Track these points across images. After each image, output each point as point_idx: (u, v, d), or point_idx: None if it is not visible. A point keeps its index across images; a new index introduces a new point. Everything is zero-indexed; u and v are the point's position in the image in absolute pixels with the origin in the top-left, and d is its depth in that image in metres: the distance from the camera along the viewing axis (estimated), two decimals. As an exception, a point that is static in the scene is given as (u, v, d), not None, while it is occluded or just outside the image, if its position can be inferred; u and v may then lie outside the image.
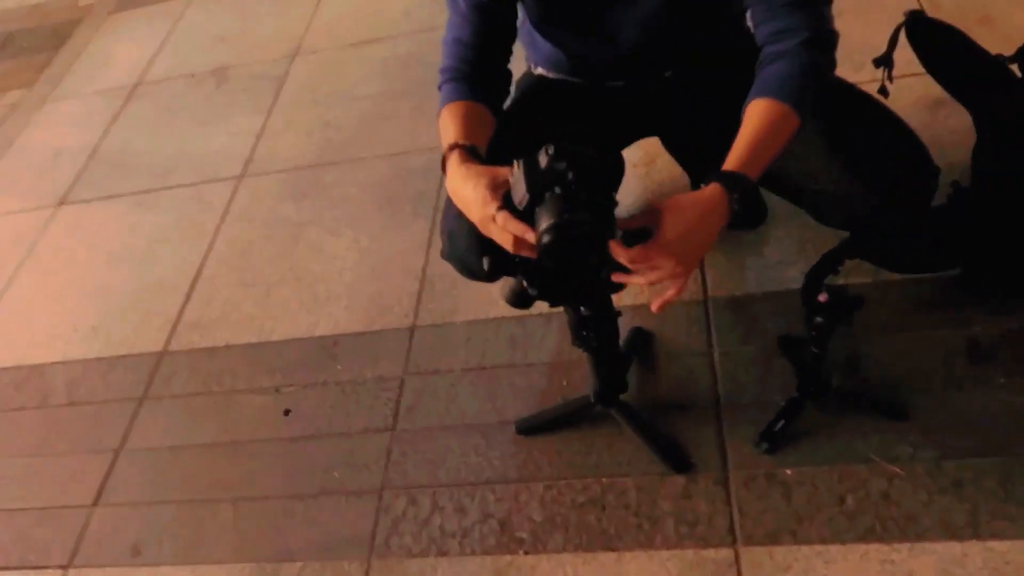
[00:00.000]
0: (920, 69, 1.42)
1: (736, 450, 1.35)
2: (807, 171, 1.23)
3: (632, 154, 1.90)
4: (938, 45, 1.40)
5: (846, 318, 1.15)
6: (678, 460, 1.36)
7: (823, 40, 1.12)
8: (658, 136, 1.60)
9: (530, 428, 1.48)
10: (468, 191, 1.08)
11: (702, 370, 1.48)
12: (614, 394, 1.39)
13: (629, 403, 1.41)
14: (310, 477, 1.55)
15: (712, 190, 1.02)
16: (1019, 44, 1.35)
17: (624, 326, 1.53)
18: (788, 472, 1.31)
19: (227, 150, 2.42)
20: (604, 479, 1.38)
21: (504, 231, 1.03)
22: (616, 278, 1.05)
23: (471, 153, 1.14)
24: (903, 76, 1.43)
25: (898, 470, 1.27)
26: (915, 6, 1.33)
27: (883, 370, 1.39)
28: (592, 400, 1.39)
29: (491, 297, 1.72)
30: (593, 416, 1.44)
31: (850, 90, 1.29)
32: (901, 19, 1.38)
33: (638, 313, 1.61)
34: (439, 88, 1.26)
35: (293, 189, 2.20)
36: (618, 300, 1.55)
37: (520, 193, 1.00)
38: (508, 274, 1.15)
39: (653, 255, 1.00)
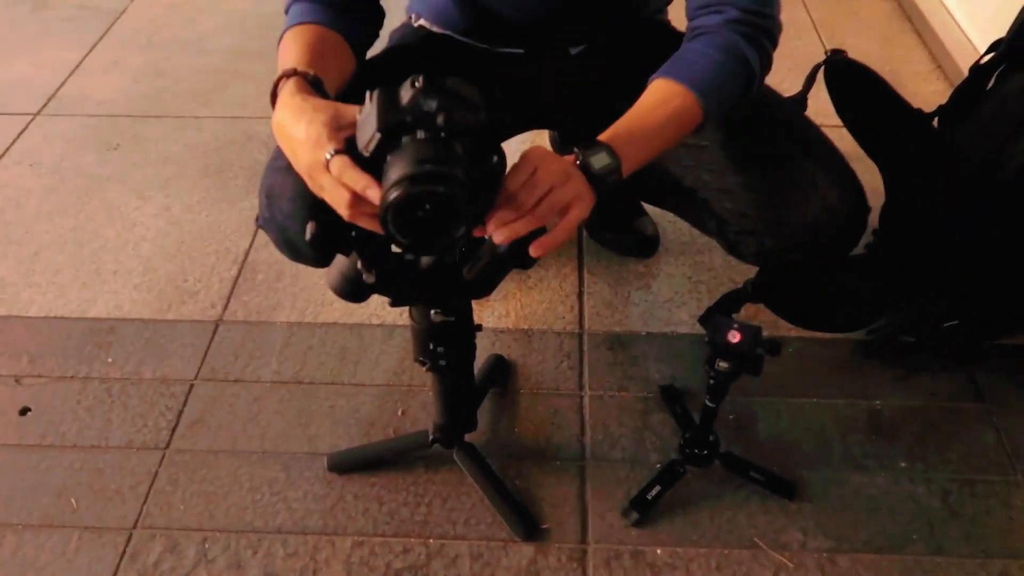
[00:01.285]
0: (829, 121, 1.28)
1: (599, 518, 1.10)
2: (724, 188, 1.06)
3: (513, 158, 1.65)
4: (857, 90, 1.28)
5: (756, 366, 0.93)
6: (527, 524, 1.08)
7: (756, 25, 0.92)
8: (550, 129, 1.37)
9: (347, 465, 1.16)
10: (299, 129, 0.79)
11: (569, 415, 1.23)
12: (459, 432, 1.11)
13: (475, 446, 1.13)
14: (36, 501, 1.14)
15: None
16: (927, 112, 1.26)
17: (482, 352, 1.26)
18: (659, 552, 1.07)
19: (27, 82, 1.98)
20: (432, 540, 1.08)
21: (338, 184, 0.74)
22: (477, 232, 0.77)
23: (313, 85, 0.85)
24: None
25: (786, 560, 1.06)
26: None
27: (775, 439, 1.19)
28: (430, 438, 1.10)
29: (327, 297, 1.40)
30: (429, 458, 1.16)
31: (779, 102, 1.11)
32: (820, 59, 1.25)
33: (501, 338, 1.34)
34: (286, 10, 0.99)
35: (101, 137, 1.79)
36: (479, 317, 1.27)
37: (369, 132, 0.71)
38: (341, 251, 0.85)
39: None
